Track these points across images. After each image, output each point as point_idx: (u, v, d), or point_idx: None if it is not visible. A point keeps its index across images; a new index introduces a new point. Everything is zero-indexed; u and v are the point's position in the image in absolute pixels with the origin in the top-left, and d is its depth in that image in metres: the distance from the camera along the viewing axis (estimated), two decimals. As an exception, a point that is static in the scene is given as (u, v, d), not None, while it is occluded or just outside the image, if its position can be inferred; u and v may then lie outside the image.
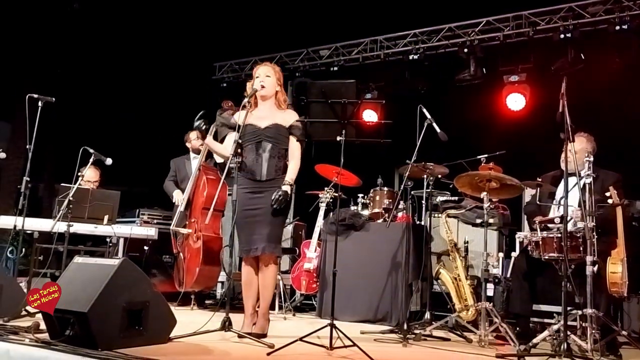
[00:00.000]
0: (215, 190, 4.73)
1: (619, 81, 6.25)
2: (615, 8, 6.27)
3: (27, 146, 4.32)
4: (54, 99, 4.48)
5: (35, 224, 5.04)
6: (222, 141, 4.06)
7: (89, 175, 5.60)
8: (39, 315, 3.41)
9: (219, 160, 5.40)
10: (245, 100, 3.83)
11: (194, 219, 5.14)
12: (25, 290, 4.17)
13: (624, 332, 3.66)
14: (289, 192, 3.79)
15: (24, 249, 5.31)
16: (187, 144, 5.93)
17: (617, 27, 6.11)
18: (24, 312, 3.90)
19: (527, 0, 6.79)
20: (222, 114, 4.90)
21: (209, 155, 5.42)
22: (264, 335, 3.70)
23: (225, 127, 4.05)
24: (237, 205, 3.80)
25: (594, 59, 6.39)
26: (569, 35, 6.36)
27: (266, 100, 3.95)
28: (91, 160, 4.87)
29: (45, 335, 3.17)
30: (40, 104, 4.37)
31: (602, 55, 6.35)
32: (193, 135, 5.84)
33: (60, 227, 4.70)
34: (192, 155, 5.87)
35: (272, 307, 4.56)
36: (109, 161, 4.92)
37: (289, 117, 3.93)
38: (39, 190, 9.34)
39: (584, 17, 6.47)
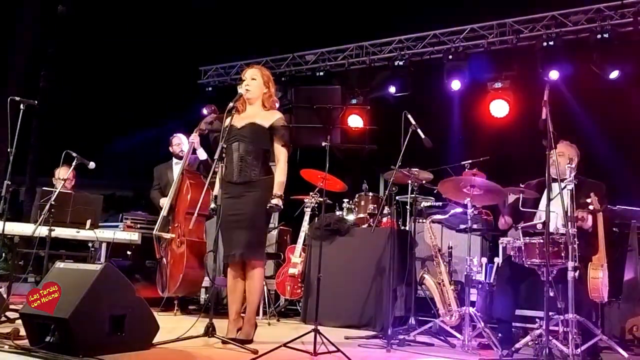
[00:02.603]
0: (199, 194, 4.75)
1: (603, 89, 6.34)
2: (596, 17, 6.38)
3: (9, 149, 4.26)
4: (36, 102, 4.44)
5: (16, 228, 4.96)
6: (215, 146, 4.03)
7: (61, 174, 5.51)
8: (19, 322, 3.35)
9: (202, 157, 5.49)
10: (231, 104, 3.82)
11: (177, 223, 5.10)
12: (4, 296, 4.11)
13: (604, 337, 3.70)
14: (280, 205, 3.77)
15: (4, 254, 5.23)
16: (170, 149, 5.87)
17: (599, 36, 6.21)
18: (3, 318, 3.84)
19: (511, 8, 6.88)
20: (205, 119, 5.01)
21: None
22: (249, 342, 3.67)
23: (216, 133, 4.04)
24: (221, 210, 3.78)
25: (577, 67, 6.49)
26: (551, 43, 6.44)
27: (253, 102, 3.95)
28: (74, 163, 4.82)
29: (25, 342, 3.12)
30: (22, 107, 4.32)
31: (585, 63, 6.44)
32: (175, 139, 5.79)
33: (42, 231, 4.64)
34: (174, 160, 5.82)
35: (256, 313, 4.53)
36: (92, 165, 4.87)
37: (271, 117, 3.87)
38: (20, 194, 9.22)
39: (566, 25, 6.57)
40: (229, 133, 3.83)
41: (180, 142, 5.72)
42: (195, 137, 5.22)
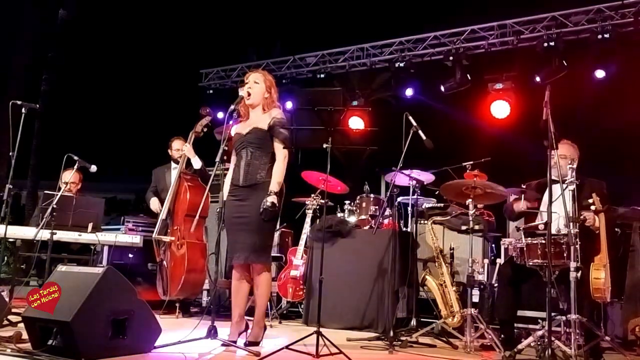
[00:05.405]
0: (196, 196, 4.87)
1: (602, 89, 6.35)
2: (597, 17, 6.38)
3: (10, 153, 4.26)
4: (37, 106, 4.44)
5: (18, 232, 4.97)
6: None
7: (68, 177, 5.51)
8: (21, 325, 3.35)
9: (196, 166, 5.40)
10: (232, 107, 3.82)
11: (176, 226, 5.10)
12: (7, 299, 4.11)
13: (607, 338, 3.69)
14: (276, 202, 3.72)
15: (6, 257, 5.24)
16: (169, 152, 5.86)
17: (599, 36, 6.21)
18: (5, 322, 3.84)
19: (512, 9, 6.89)
20: (200, 122, 5.12)
21: (189, 163, 5.38)
22: (257, 343, 3.69)
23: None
24: (226, 212, 3.79)
25: (578, 67, 6.49)
26: (552, 43, 6.45)
27: (255, 107, 3.94)
28: (75, 167, 4.83)
29: (28, 345, 3.12)
30: (24, 110, 4.32)
31: (585, 64, 6.45)
32: (175, 144, 5.76)
33: (44, 234, 4.64)
34: (172, 165, 5.80)
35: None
36: (93, 168, 4.87)
37: (268, 118, 3.84)
38: (21, 197, 9.24)
39: (567, 26, 6.58)
40: (237, 140, 3.87)
41: (179, 148, 5.70)
42: (185, 147, 5.24)
